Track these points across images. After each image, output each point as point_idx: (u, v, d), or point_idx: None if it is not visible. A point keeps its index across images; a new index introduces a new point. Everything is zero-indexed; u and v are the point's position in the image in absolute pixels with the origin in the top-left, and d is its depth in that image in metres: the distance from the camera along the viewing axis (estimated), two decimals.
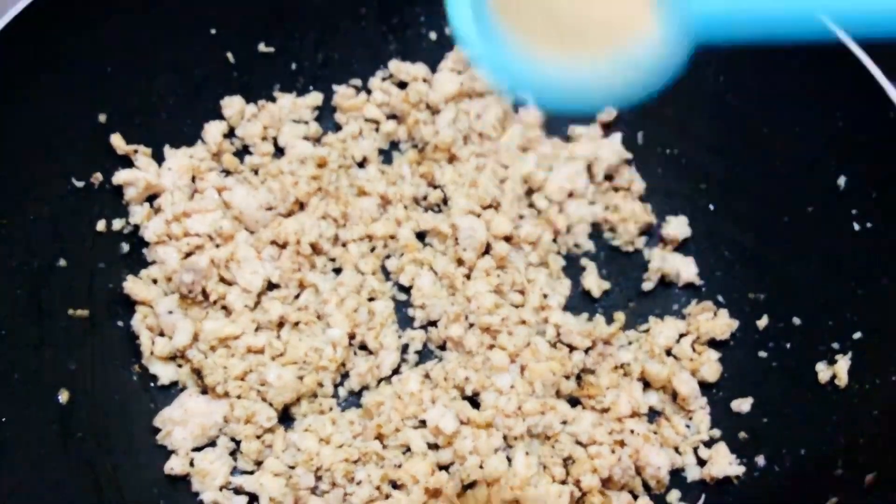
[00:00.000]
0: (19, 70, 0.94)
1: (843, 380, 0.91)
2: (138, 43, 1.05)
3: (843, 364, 0.92)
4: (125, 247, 1.03)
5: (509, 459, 0.94)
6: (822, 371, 0.93)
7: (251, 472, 0.93)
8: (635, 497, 0.94)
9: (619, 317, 1.06)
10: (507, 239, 1.08)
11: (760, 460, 0.93)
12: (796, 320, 0.99)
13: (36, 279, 0.93)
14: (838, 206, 0.98)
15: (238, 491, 0.92)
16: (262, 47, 1.14)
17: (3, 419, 0.83)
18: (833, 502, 0.82)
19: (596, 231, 1.13)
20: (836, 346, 0.94)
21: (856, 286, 0.95)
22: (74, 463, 0.86)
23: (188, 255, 1.02)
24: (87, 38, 1.00)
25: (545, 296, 1.05)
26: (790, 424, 0.93)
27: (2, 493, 0.78)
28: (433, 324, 1.04)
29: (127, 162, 1.05)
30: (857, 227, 0.95)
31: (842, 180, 0.97)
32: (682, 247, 1.11)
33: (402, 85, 1.20)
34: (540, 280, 1.06)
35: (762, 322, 1.02)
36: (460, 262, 1.07)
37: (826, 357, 0.94)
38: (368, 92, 1.20)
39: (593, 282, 1.08)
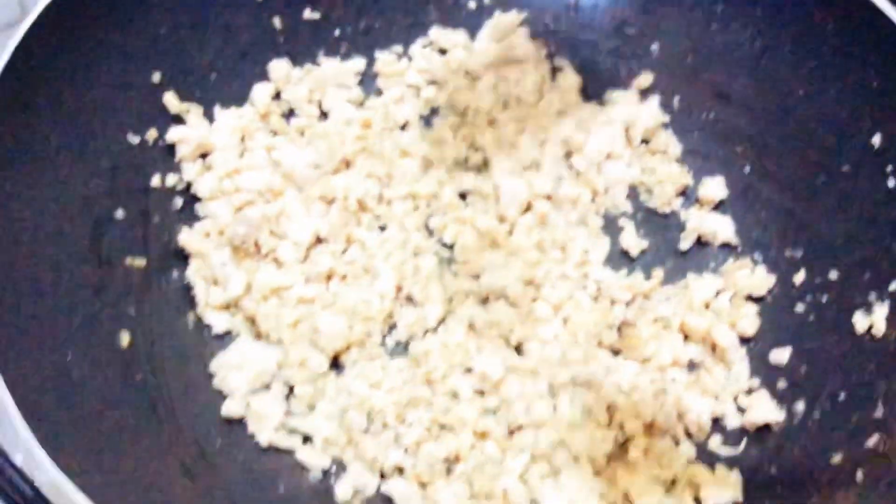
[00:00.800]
0: (79, 31, 0.98)
1: (880, 328, 0.94)
2: (191, 8, 1.09)
3: (880, 313, 0.94)
4: (179, 201, 1.06)
5: (554, 407, 0.96)
6: (860, 321, 0.96)
7: (304, 415, 0.96)
8: (677, 443, 0.96)
9: (658, 273, 1.08)
10: (548, 199, 1.11)
11: (800, 406, 0.95)
12: (833, 275, 1.01)
13: (95, 228, 0.96)
14: (873, 164, 1.00)
15: (292, 432, 0.95)
16: (307, 14, 1.17)
17: (69, 357, 0.86)
18: (876, 439, 0.85)
19: (633, 192, 1.15)
20: (872, 297, 0.96)
21: (891, 240, 0.97)
22: (136, 401, 0.89)
23: (239, 209, 1.05)
24: (144, 1, 1.04)
25: (586, 251, 1.07)
26: (829, 372, 0.95)
27: (75, 423, 0.81)
28: (476, 277, 1.06)
29: (179, 120, 1.08)
30: (891, 183, 0.98)
31: (876, 139, 1.00)
32: (719, 207, 1.13)
33: (443, 52, 1.22)
34: (580, 237, 1.09)
35: (799, 277, 1.04)
36: (502, 219, 1.09)
37: (863, 308, 0.96)
38: (409, 58, 1.22)
39: (631, 241, 1.11)
